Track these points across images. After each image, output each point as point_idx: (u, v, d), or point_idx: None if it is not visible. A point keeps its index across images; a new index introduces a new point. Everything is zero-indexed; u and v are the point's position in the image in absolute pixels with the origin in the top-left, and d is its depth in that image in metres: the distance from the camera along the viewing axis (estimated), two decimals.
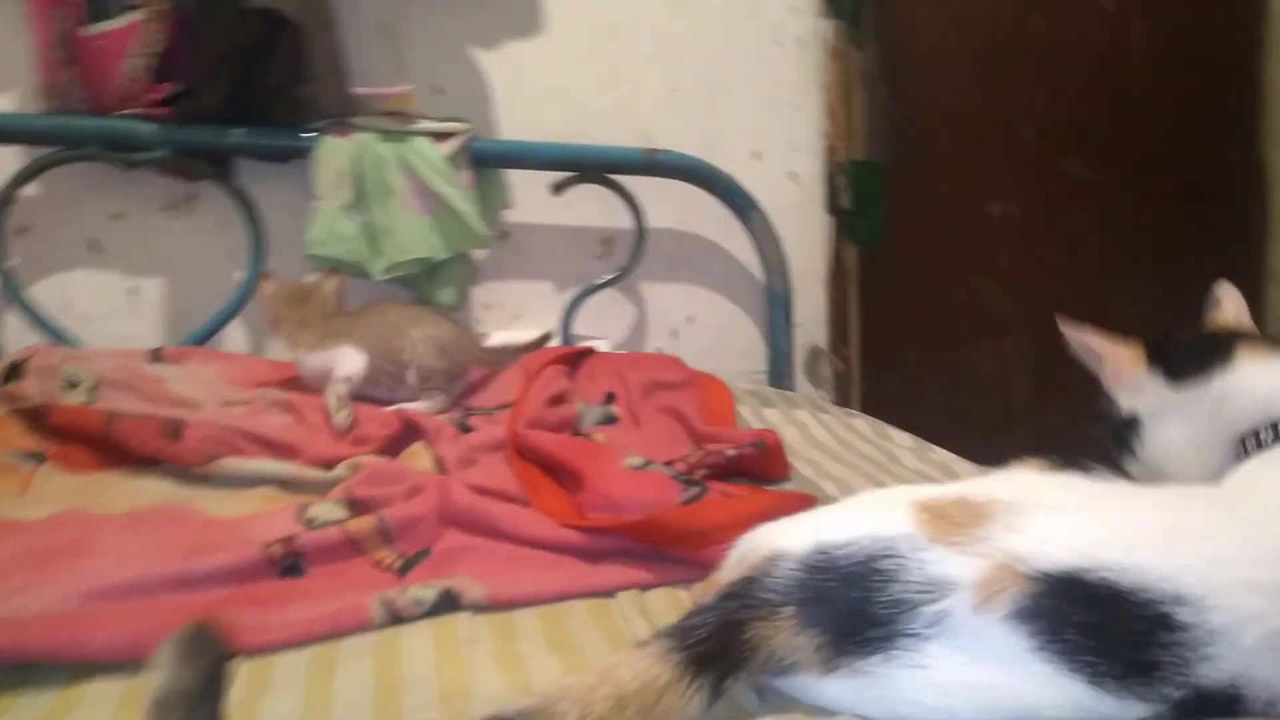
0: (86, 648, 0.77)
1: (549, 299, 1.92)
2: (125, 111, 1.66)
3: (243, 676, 0.74)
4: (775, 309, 1.93)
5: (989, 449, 1.15)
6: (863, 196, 2.08)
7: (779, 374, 1.93)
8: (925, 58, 2.23)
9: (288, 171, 1.75)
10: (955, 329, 2.25)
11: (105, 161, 1.67)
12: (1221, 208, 2.43)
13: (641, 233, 1.88)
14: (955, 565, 0.62)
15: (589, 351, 1.68)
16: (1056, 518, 0.65)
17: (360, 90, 1.75)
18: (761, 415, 1.49)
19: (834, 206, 2.08)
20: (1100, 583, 0.61)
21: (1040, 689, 0.60)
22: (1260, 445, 0.77)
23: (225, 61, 1.66)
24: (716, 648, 0.63)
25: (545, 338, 1.68)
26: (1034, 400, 2.27)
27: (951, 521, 0.65)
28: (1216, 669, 0.59)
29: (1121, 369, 0.89)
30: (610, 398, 1.48)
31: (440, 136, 1.74)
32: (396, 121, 1.75)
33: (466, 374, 1.55)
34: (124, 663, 0.75)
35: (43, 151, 1.66)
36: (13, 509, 1.07)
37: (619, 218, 1.90)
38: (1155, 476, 0.86)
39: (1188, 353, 0.87)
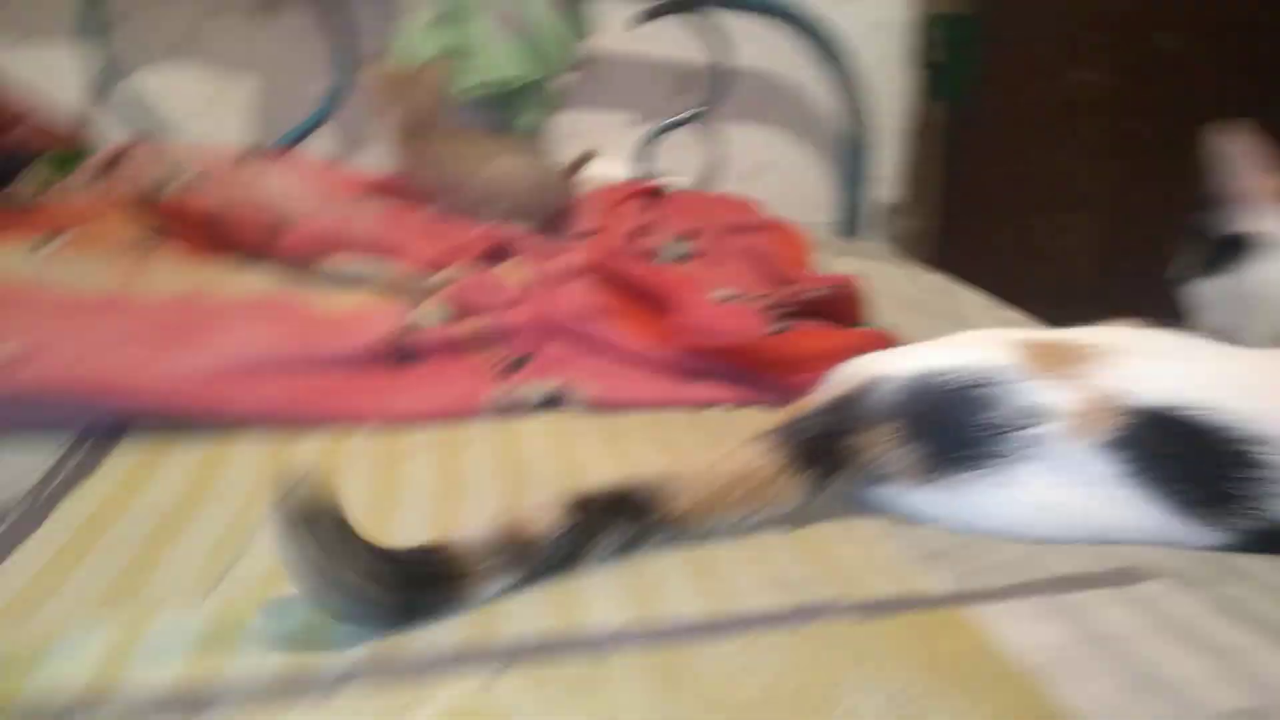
0: (233, 408, 0.84)
1: (627, 132, 1.93)
2: None
3: (377, 446, 0.81)
4: (851, 160, 1.93)
5: (1054, 319, 1.19)
6: (954, 52, 2.04)
7: (851, 226, 1.95)
8: None
9: None
10: (1033, 196, 2.23)
11: None
12: None
13: (725, 70, 1.86)
14: (1054, 396, 0.68)
15: (664, 189, 1.70)
16: (1152, 362, 0.70)
17: None
18: (834, 264, 1.52)
19: (924, 61, 2.05)
20: (1189, 420, 0.66)
21: (1119, 512, 0.66)
22: None
23: None
24: (819, 449, 0.69)
25: (586, 157, 1.64)
26: (1099, 276, 2.27)
27: (1054, 357, 0.70)
28: None
29: (1269, 186, 0.91)
30: (688, 235, 1.50)
31: None
32: None
33: (550, 208, 1.54)
34: (262, 428, 0.82)
35: None
36: (132, 288, 1.13)
37: (702, 53, 1.88)
38: (1229, 304, 0.89)
39: None
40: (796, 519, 0.69)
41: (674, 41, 1.88)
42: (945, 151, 2.10)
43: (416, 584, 0.55)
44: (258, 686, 0.48)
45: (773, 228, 1.58)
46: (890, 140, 2.05)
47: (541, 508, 0.61)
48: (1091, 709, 0.47)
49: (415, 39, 1.68)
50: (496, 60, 1.70)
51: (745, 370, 0.99)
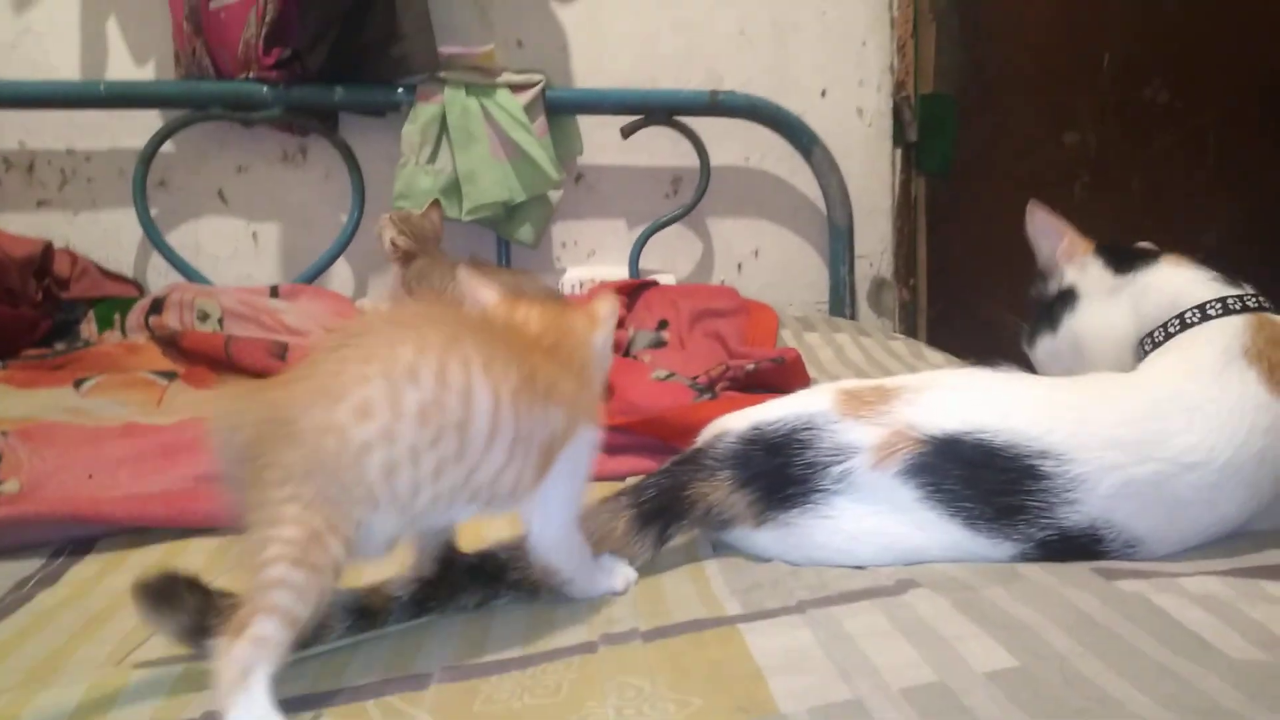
0: (193, 516, 0.96)
1: (621, 236, 2.06)
2: (244, 76, 1.87)
3: None
4: (836, 241, 2.02)
5: None
6: (931, 129, 2.13)
7: (840, 305, 2.02)
8: None
9: (384, 125, 1.94)
10: (1025, 257, 2.27)
11: (228, 120, 1.90)
12: None
13: (706, 171, 1.99)
14: (859, 433, 0.75)
15: (650, 283, 1.82)
16: (949, 395, 0.78)
17: (447, 50, 1.90)
18: (802, 338, 1.61)
19: (901, 139, 2.14)
20: (978, 442, 0.73)
21: (925, 533, 0.73)
22: (1156, 345, 0.86)
23: (328, 26, 1.84)
24: (662, 503, 0.78)
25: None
26: None
27: (862, 401, 0.78)
28: (1078, 512, 0.71)
29: (1075, 247, 0.99)
30: (663, 325, 1.61)
31: (518, 88, 1.90)
32: (480, 76, 1.91)
33: None
34: (223, 529, 0.94)
35: (176, 113, 1.90)
36: (149, 417, 1.30)
37: (688, 157, 2.01)
38: (1066, 355, 0.96)
39: (1127, 251, 0.97)
40: (654, 566, 0.77)
41: (663, 147, 2.03)
42: (931, 223, 2.17)
43: None
44: None
45: (745, 310, 1.68)
46: (876, 218, 2.14)
47: (404, 567, 0.70)
48: (786, 691, 0.54)
49: (408, 179, 1.87)
50: (492, 185, 1.86)
51: (663, 439, 1.08)
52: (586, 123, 2.00)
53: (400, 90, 1.88)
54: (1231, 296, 0.86)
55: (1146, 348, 0.87)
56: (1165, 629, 0.59)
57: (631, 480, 1.03)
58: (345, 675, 0.63)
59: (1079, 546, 0.72)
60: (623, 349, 1.51)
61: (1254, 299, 0.86)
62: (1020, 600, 0.63)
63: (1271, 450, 0.76)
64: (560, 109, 1.94)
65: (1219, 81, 2.31)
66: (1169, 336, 0.85)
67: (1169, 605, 0.62)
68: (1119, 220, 2.22)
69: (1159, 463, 0.72)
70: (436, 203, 1.80)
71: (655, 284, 1.84)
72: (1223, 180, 2.33)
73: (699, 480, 0.78)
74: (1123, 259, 0.95)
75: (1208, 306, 0.84)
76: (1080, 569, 0.69)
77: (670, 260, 2.07)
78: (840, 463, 0.75)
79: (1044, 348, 0.99)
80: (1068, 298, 0.98)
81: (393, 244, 1.70)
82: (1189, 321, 0.84)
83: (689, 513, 0.78)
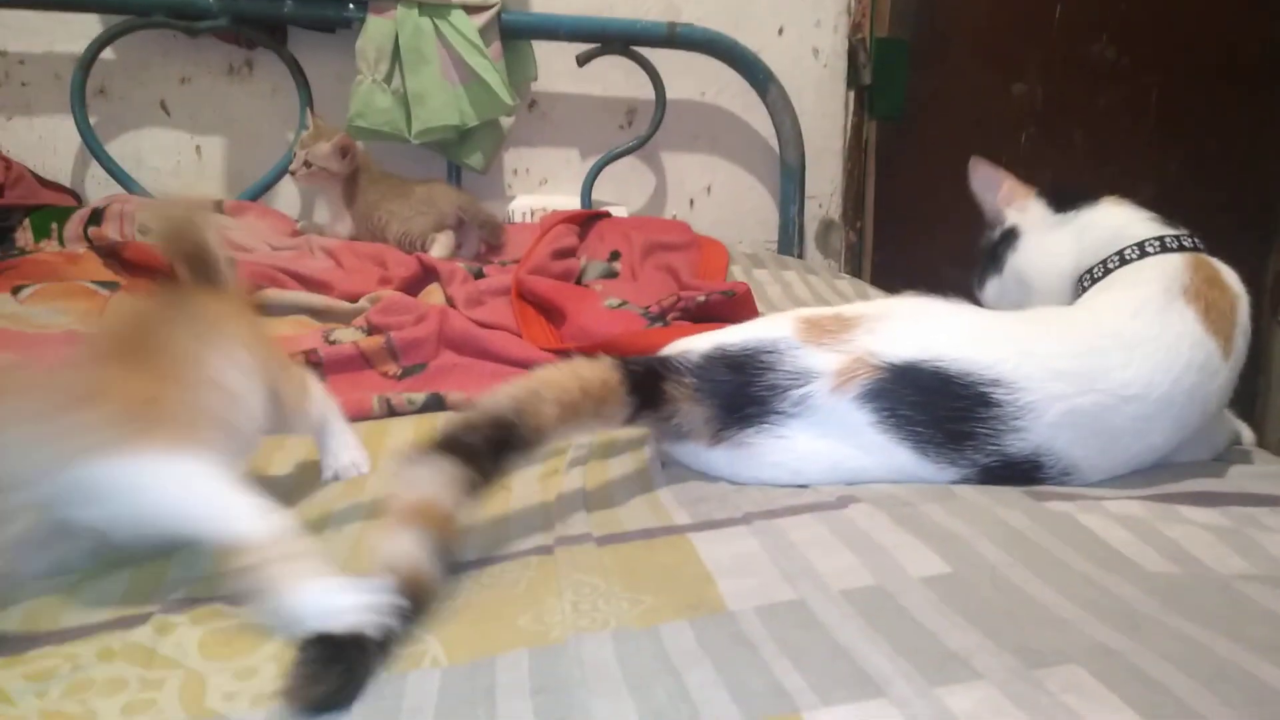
0: None
1: (574, 165, 2.06)
2: None
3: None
4: (787, 181, 2.04)
5: None
6: (885, 73, 2.15)
7: (789, 244, 2.05)
8: None
9: (334, 41, 1.90)
10: (970, 204, 2.32)
11: (172, 29, 1.83)
12: (1259, 87, 2.43)
13: (661, 103, 1.99)
14: (820, 359, 0.78)
15: (603, 214, 1.82)
16: (908, 325, 0.80)
17: None
18: (751, 274, 1.63)
19: (855, 82, 2.16)
20: (933, 370, 0.76)
21: (873, 457, 0.76)
22: (1095, 280, 0.89)
23: None
24: (645, 380, 0.78)
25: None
26: None
27: (823, 329, 0.80)
28: (1022, 440, 0.75)
29: (1015, 192, 1.03)
30: (615, 255, 1.62)
31: (473, 9, 1.86)
32: None
33: (462, 224, 1.71)
34: None
35: (117, 19, 1.83)
36: (92, 326, 1.28)
37: (643, 89, 2.00)
38: (1013, 291, 1.00)
39: (1069, 191, 1.00)
40: (605, 485, 0.79)
41: (618, 78, 2.01)
42: (881, 167, 2.20)
43: None
44: None
45: (696, 245, 1.69)
46: (827, 160, 2.15)
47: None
48: (734, 591, 0.57)
49: (365, 97, 1.83)
50: (442, 107, 1.84)
51: None
52: (542, 49, 1.97)
53: (351, 6, 1.84)
54: (1169, 235, 0.89)
55: (1085, 284, 0.90)
56: (1088, 544, 0.63)
57: None
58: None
59: (1020, 473, 0.75)
60: (573, 278, 1.52)
61: (1190, 239, 0.90)
62: (955, 516, 0.67)
63: (1201, 386, 0.80)
64: (516, 33, 1.91)
65: (1165, 41, 2.35)
66: (1108, 272, 0.88)
67: (1093, 524, 0.66)
68: (1062, 172, 2.27)
69: (1100, 394, 0.76)
70: (345, 132, 1.76)
71: (608, 215, 1.84)
72: (1162, 137, 2.39)
73: (671, 378, 0.79)
74: (1064, 198, 0.99)
75: (1146, 244, 0.88)
76: (1012, 491, 0.73)
77: (623, 192, 2.07)
78: (800, 386, 0.77)
79: (991, 288, 1.03)
80: (1010, 237, 1.01)
81: (306, 163, 1.70)
82: (1128, 258, 0.88)
83: (660, 407, 0.78)
